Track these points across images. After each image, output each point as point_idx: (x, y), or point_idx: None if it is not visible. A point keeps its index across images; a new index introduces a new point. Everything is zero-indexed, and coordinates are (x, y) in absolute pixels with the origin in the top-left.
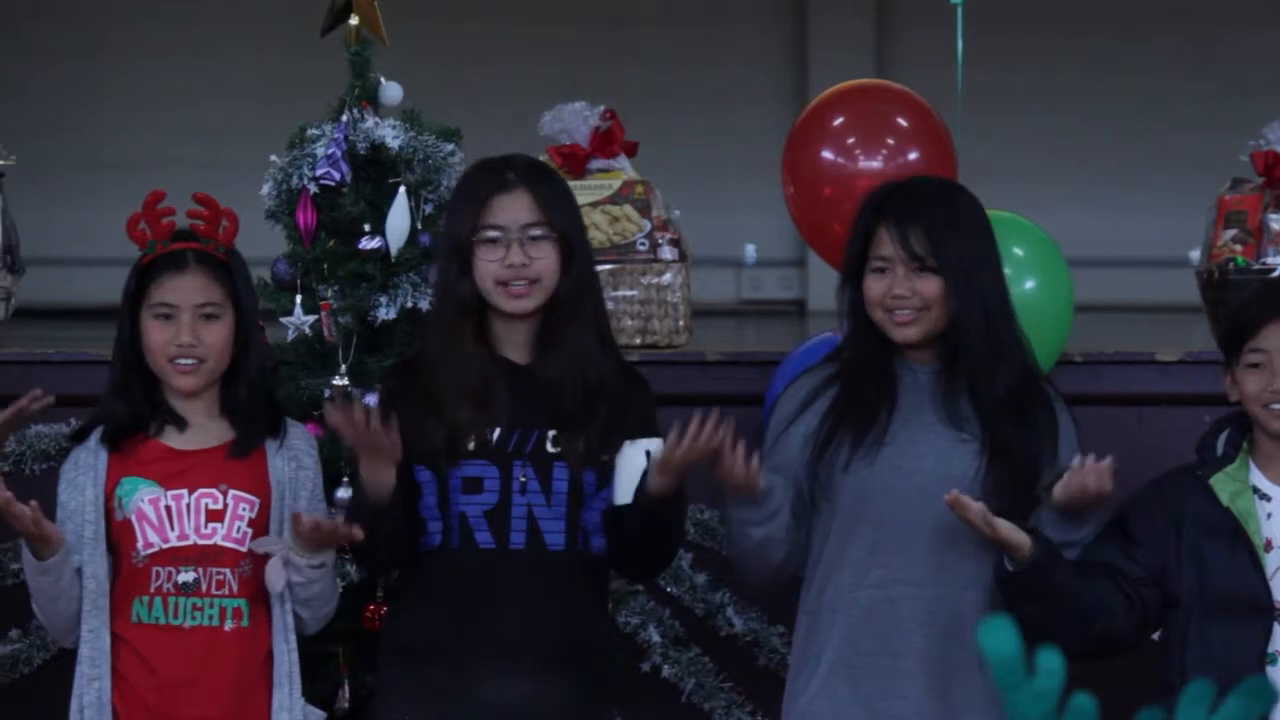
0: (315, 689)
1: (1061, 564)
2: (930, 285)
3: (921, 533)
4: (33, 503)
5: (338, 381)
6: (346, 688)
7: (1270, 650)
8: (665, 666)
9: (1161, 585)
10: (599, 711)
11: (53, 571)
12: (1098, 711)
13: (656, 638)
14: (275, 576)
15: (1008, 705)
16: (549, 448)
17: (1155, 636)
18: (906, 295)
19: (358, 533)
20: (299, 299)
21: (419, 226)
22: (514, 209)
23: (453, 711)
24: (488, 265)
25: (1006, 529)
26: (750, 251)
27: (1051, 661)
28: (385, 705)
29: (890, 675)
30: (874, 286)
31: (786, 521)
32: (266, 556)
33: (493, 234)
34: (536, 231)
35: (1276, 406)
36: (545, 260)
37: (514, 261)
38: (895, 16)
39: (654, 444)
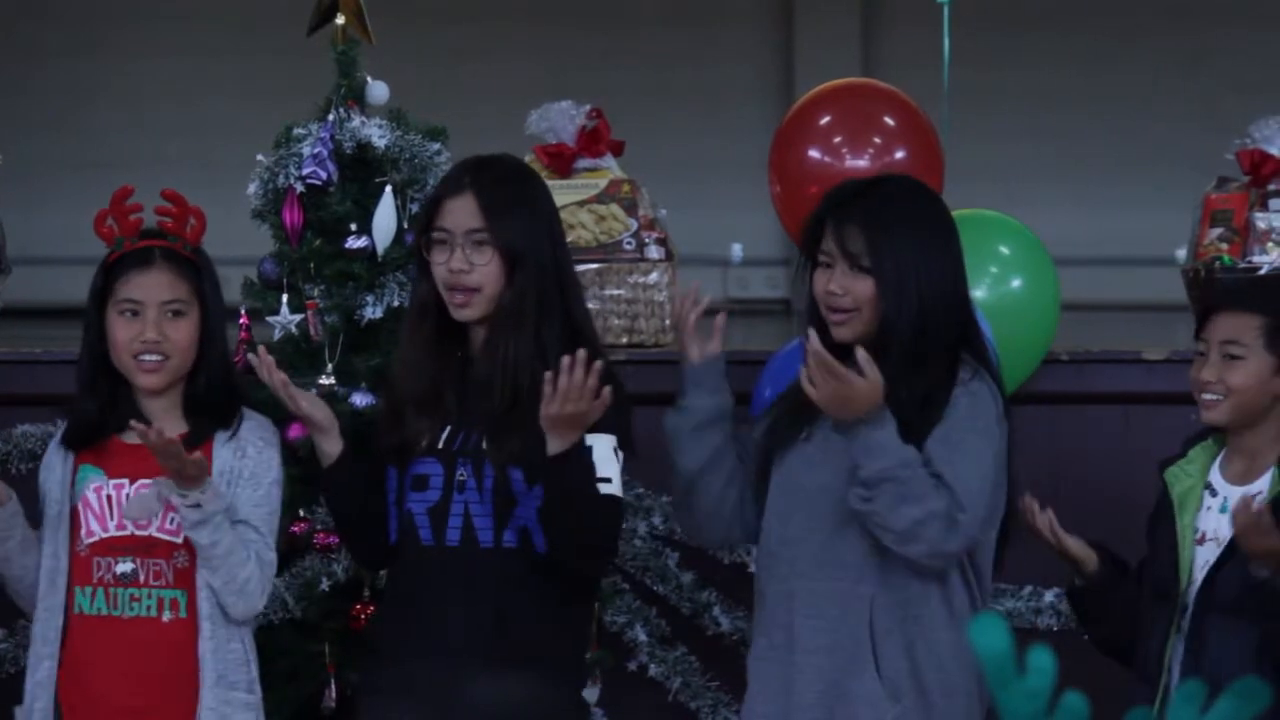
0: (302, 688)
1: (1129, 585)
2: (864, 285)
3: (818, 529)
4: None
5: (324, 380)
6: (333, 686)
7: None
8: (652, 665)
9: None
10: (550, 708)
11: None
12: (1089, 710)
13: (643, 636)
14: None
15: (998, 703)
16: (484, 446)
17: None
18: (839, 293)
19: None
20: (285, 298)
21: (405, 226)
22: (460, 213)
23: (403, 707)
24: (436, 268)
25: (1073, 544)
26: (737, 250)
27: (1043, 659)
28: (360, 702)
29: (789, 668)
30: (817, 282)
31: (725, 440)
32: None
33: (439, 235)
34: (478, 238)
35: (1206, 396)
36: (487, 268)
37: (455, 266)
38: (882, 15)
39: (599, 439)
